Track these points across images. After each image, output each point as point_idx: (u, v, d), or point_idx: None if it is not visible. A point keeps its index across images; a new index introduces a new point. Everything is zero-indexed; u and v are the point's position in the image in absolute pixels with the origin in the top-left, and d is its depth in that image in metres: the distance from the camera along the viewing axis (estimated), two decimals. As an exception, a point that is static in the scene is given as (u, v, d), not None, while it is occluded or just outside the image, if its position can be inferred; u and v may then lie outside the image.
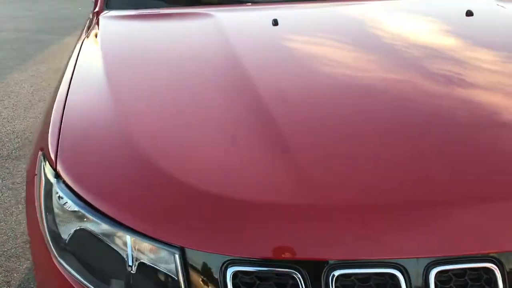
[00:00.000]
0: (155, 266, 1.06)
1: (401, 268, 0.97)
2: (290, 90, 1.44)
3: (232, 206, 1.04)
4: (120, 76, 1.54)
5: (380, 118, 1.29)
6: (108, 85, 1.48)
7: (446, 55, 1.61)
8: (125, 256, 1.07)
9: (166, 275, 1.05)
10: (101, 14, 1.93)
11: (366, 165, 1.12)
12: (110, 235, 1.10)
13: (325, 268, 0.98)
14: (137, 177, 1.15)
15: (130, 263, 1.07)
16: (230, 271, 0.99)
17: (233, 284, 0.99)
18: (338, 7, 2.10)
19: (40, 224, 1.20)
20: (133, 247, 1.06)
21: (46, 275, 1.21)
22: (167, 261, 1.05)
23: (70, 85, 1.48)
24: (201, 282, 1.02)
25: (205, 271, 1.02)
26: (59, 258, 1.14)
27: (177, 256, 1.03)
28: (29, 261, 2.31)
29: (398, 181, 1.08)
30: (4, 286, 2.17)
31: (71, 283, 1.11)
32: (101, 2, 2.01)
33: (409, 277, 0.97)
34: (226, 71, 1.52)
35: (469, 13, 1.91)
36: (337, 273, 0.98)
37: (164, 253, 1.04)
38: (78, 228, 1.13)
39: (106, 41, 1.76)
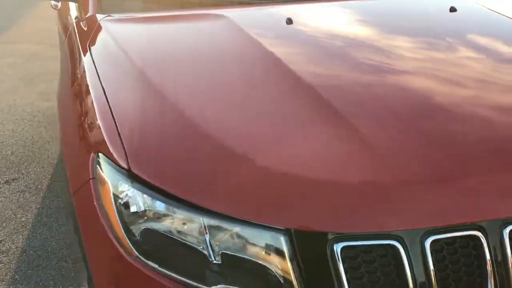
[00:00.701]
0: (263, 252, 1.07)
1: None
2: (334, 77, 1.51)
3: (332, 187, 1.09)
4: (161, 74, 1.54)
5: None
6: (153, 84, 1.48)
7: None
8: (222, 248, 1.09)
9: (273, 260, 1.06)
10: (101, 18, 1.89)
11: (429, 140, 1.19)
12: (193, 230, 1.11)
13: (420, 236, 1.03)
14: (224, 168, 1.16)
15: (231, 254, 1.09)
16: (338, 247, 1.02)
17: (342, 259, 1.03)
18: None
19: (108, 228, 1.19)
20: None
21: (125, 278, 1.19)
22: (270, 247, 1.06)
23: (104, 89, 1.47)
24: (309, 262, 1.04)
25: (313, 250, 1.04)
26: (142, 258, 1.14)
27: (282, 239, 1.04)
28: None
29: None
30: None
31: (163, 282, 1.11)
32: (94, 7, 1.96)
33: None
34: (266, 65, 1.56)
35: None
36: (431, 239, 1.03)
37: (268, 238, 1.05)
38: (162, 225, 1.14)
39: (126, 43, 1.75)
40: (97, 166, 1.27)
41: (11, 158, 3.36)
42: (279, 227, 1.04)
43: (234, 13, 1.97)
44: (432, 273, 1.02)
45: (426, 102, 1.33)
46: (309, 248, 1.03)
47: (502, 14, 2.00)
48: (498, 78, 1.51)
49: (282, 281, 1.05)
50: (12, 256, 2.49)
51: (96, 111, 1.39)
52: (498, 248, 1.06)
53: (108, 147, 1.25)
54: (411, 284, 1.02)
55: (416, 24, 1.93)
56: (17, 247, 2.55)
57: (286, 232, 1.04)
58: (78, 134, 1.48)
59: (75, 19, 2.16)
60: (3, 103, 4.23)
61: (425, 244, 1.03)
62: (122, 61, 1.63)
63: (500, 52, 1.68)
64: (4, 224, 2.71)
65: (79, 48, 1.86)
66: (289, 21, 1.87)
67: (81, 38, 1.91)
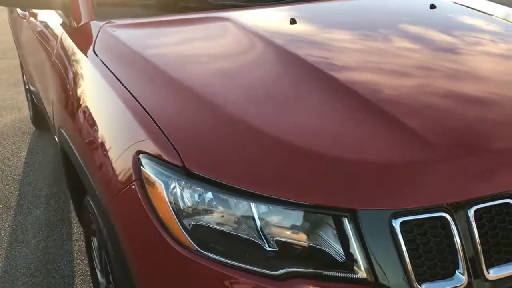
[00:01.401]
0: (327, 234, 1.14)
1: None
2: (353, 65, 1.64)
3: (388, 168, 1.18)
4: (184, 73, 1.57)
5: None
6: (181, 82, 1.50)
7: None
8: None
9: (336, 241, 1.13)
10: (102, 25, 1.88)
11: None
12: (250, 218, 1.16)
13: (465, 207, 1.15)
14: (280, 157, 1.21)
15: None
16: (397, 223, 1.11)
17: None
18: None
19: (160, 227, 1.21)
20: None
21: (187, 275, 1.21)
22: (332, 228, 1.13)
23: (131, 92, 1.48)
24: (372, 239, 1.11)
25: (375, 228, 1.12)
26: (203, 251, 1.17)
27: (346, 219, 1.11)
28: None
29: None
30: None
31: (228, 272, 1.15)
32: (88, 14, 1.94)
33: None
34: (282, 58, 1.63)
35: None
36: (473, 208, 1.15)
37: (330, 220, 1.13)
38: (219, 217, 1.19)
39: (138, 45, 1.77)
40: (141, 167, 1.29)
41: (-26, 176, 3.19)
42: (342, 208, 1.12)
43: (234, 14, 2.02)
44: (477, 239, 1.14)
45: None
46: (371, 226, 1.11)
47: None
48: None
49: (345, 261, 1.12)
50: (-7, 277, 2.38)
51: (130, 114, 1.39)
52: None
53: (154, 147, 1.27)
54: (460, 250, 1.13)
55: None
56: (-4, 267, 2.44)
57: (349, 213, 1.12)
58: (105, 140, 1.47)
59: (63, 27, 2.11)
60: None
61: (469, 213, 1.15)
62: (141, 63, 1.63)
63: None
64: (-23, 245, 2.58)
65: (78, 54, 1.85)
66: (293, 21, 1.94)
67: (80, 45, 1.89)
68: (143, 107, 1.39)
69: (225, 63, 1.69)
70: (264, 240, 1.16)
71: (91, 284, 2.46)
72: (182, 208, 1.21)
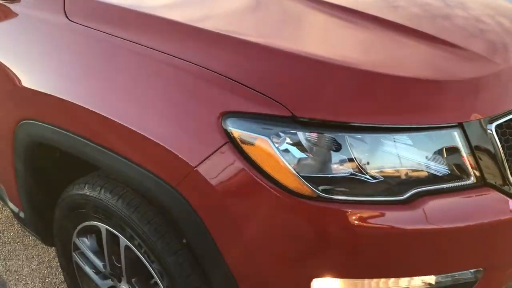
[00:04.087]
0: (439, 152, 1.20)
1: None
2: None
3: (477, 81, 1.29)
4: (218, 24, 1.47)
5: None
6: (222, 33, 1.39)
7: None
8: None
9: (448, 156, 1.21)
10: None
11: None
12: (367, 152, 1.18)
13: None
14: (377, 87, 1.23)
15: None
16: (492, 127, 1.25)
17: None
18: None
19: (271, 184, 1.16)
20: None
21: (311, 223, 1.19)
22: (443, 144, 1.21)
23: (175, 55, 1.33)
24: (478, 146, 1.22)
25: (478, 135, 1.22)
26: (326, 195, 1.16)
27: (456, 133, 1.19)
28: None
29: None
30: None
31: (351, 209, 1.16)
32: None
33: None
34: None
35: None
36: None
37: (441, 137, 1.19)
38: (334, 158, 1.18)
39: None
40: (229, 128, 1.19)
41: None
42: (453, 124, 1.21)
43: None
44: None
45: None
46: (475, 134, 1.22)
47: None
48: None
49: (458, 171, 1.22)
50: None
51: (192, 79, 1.26)
52: None
53: (243, 102, 1.19)
54: None
55: None
56: None
57: (458, 126, 1.21)
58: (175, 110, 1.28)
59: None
60: None
61: None
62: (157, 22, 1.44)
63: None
64: None
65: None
66: None
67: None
68: (204, 67, 1.26)
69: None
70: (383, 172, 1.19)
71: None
72: (297, 158, 1.17)
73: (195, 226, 1.28)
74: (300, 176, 1.16)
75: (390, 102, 1.21)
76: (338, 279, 1.24)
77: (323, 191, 1.17)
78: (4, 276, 2.25)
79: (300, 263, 1.23)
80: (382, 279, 1.25)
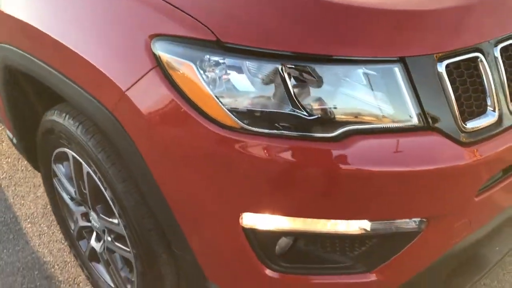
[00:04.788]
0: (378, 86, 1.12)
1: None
2: None
3: (428, 14, 1.17)
4: None
5: None
6: None
7: None
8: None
9: (385, 92, 1.12)
10: None
11: None
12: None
13: (492, 47, 1.20)
14: (316, 14, 1.13)
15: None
16: (443, 65, 1.14)
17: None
18: None
19: (196, 113, 1.14)
20: None
21: (233, 157, 1.15)
22: (384, 79, 1.12)
23: None
24: (422, 84, 1.12)
25: (423, 74, 1.12)
26: (252, 128, 1.13)
27: (397, 69, 1.11)
28: None
29: None
30: None
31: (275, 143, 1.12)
32: None
33: None
34: None
35: None
36: (499, 47, 1.22)
37: (380, 71, 1.11)
38: (260, 86, 1.12)
39: None
40: (157, 52, 1.16)
41: None
42: (393, 58, 1.11)
43: None
44: (504, 76, 1.22)
45: None
46: (420, 73, 1.12)
47: None
48: None
49: (398, 111, 1.13)
50: None
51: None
52: None
53: (173, 25, 1.15)
54: (492, 86, 1.20)
55: None
56: None
57: (400, 62, 1.11)
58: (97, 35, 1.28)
59: None
60: None
61: (496, 52, 1.21)
62: None
63: None
64: None
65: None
66: None
67: None
68: None
69: None
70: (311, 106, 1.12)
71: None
72: (222, 86, 1.12)
73: (132, 153, 1.28)
74: (224, 106, 1.12)
75: (323, 31, 1.12)
76: (270, 215, 1.21)
77: (247, 123, 1.12)
78: (12, 200, 2.40)
79: (228, 196, 1.21)
80: (313, 219, 1.21)
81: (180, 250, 1.36)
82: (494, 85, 1.21)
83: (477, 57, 1.18)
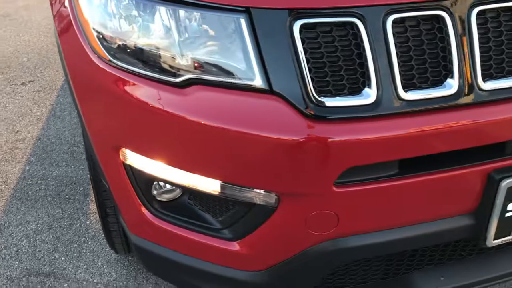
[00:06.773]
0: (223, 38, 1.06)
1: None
2: None
3: None
4: None
5: None
6: None
7: None
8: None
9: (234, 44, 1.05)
10: None
11: None
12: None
13: (382, 15, 1.02)
14: None
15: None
16: (297, 25, 1.01)
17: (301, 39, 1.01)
18: None
19: (83, 39, 1.23)
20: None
21: (99, 85, 1.23)
22: (229, 31, 1.04)
23: None
24: (270, 43, 1.02)
25: (272, 31, 1.02)
26: (115, 62, 1.17)
27: (243, 21, 1.02)
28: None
29: None
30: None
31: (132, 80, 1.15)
32: None
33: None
34: None
35: None
36: (392, 17, 1.02)
37: (226, 22, 1.04)
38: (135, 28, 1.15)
39: None
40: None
41: (27, 64, 3.45)
42: (238, 7, 1.02)
43: None
44: (393, 52, 1.02)
45: None
46: (268, 30, 1.02)
47: None
48: None
49: (243, 68, 1.05)
50: (28, 143, 2.60)
51: None
52: (463, 30, 1.04)
53: None
54: (370, 63, 1.02)
55: None
56: (32, 136, 2.66)
57: (246, 13, 1.02)
58: None
59: None
60: (19, 18, 4.31)
61: (387, 23, 1.01)
62: None
63: None
64: (20, 118, 2.82)
65: None
66: None
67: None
68: None
69: None
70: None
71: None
72: (99, 12, 1.18)
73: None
74: (95, 31, 1.19)
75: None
76: (140, 155, 1.24)
77: (114, 56, 1.17)
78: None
79: (109, 129, 1.28)
80: (172, 167, 1.20)
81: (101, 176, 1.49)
82: (375, 59, 1.01)
83: (353, 24, 1.01)
